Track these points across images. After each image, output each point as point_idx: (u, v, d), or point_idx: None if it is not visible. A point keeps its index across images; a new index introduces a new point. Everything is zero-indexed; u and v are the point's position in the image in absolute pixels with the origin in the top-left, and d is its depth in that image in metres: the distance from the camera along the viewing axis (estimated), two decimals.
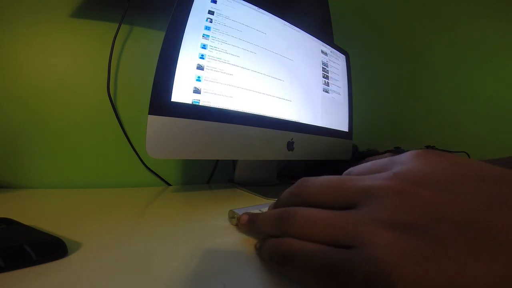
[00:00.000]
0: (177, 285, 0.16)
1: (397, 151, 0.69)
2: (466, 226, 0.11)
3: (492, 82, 1.17)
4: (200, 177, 0.61)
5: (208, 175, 0.61)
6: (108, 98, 0.52)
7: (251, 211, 0.25)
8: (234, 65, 0.45)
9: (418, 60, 1.08)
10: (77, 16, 0.52)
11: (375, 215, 0.13)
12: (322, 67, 0.62)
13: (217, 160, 0.61)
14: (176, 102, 0.38)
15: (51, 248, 0.18)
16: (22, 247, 0.17)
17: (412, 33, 1.06)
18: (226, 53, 0.44)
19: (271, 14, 0.53)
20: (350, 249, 0.13)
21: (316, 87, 0.60)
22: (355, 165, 0.19)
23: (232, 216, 0.27)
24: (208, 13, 0.43)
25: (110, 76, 0.52)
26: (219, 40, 0.44)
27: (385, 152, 0.69)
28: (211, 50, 0.43)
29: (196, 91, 0.40)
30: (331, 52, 0.66)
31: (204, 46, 0.42)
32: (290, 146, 0.52)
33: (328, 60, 0.65)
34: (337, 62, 0.68)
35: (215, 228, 0.26)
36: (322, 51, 0.64)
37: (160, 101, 0.37)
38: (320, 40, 0.63)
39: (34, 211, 0.32)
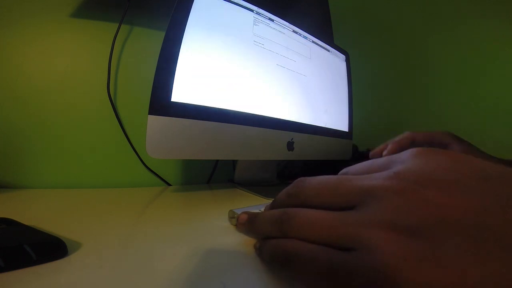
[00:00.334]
0: (177, 285, 0.16)
1: None
2: (470, 228, 0.11)
3: (492, 82, 1.17)
4: (200, 177, 0.61)
5: (208, 175, 0.61)
6: (108, 98, 0.52)
7: (251, 211, 0.25)
8: (235, 64, 0.45)
9: (418, 60, 1.08)
10: (77, 16, 0.52)
11: (376, 217, 0.13)
12: (322, 66, 0.62)
13: (217, 160, 0.61)
14: (176, 102, 0.38)
15: (51, 248, 0.18)
16: (22, 247, 0.17)
17: (412, 33, 1.06)
18: (226, 52, 0.44)
19: (271, 14, 0.53)
20: (351, 251, 0.13)
21: (316, 86, 0.60)
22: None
23: (232, 216, 0.27)
24: (208, 12, 0.43)
25: (110, 76, 0.52)
26: (219, 39, 0.44)
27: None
28: (211, 49, 0.43)
29: (196, 91, 0.40)
30: (331, 52, 0.66)
31: (204, 46, 0.42)
32: (290, 146, 0.52)
33: (328, 60, 0.65)
34: (337, 62, 0.68)
35: (215, 228, 0.26)
36: (323, 50, 0.64)
37: (160, 101, 0.37)
38: (320, 40, 0.63)
39: (34, 211, 0.32)
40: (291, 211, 0.17)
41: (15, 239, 0.18)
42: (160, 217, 0.31)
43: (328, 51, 0.66)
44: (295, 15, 0.57)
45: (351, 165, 0.19)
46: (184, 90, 0.39)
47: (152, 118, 0.36)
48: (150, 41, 0.56)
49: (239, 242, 0.22)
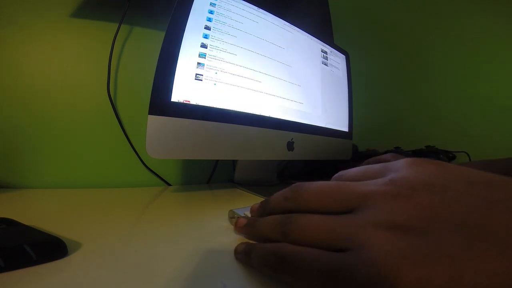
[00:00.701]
0: (177, 285, 0.16)
1: (397, 151, 0.69)
2: (460, 226, 0.11)
3: (492, 81, 1.17)
4: (200, 177, 0.61)
5: (208, 175, 0.61)
6: (108, 98, 0.52)
7: (249, 216, 0.25)
8: (234, 64, 0.45)
9: (418, 60, 1.08)
10: (77, 16, 0.52)
11: (372, 218, 0.13)
12: (322, 66, 0.62)
13: (217, 160, 0.61)
14: (176, 102, 0.38)
15: (51, 248, 0.18)
16: (22, 247, 0.17)
17: (412, 33, 1.06)
18: (226, 52, 0.44)
19: (271, 14, 0.53)
20: (349, 252, 0.13)
21: (316, 86, 0.60)
22: (355, 165, 0.19)
23: (232, 216, 0.27)
24: (208, 12, 0.43)
25: (110, 76, 0.52)
26: (219, 39, 0.44)
27: (385, 152, 0.69)
28: (211, 49, 0.43)
29: (196, 90, 0.40)
30: (331, 52, 0.66)
31: (204, 46, 0.42)
32: (290, 146, 0.52)
33: (328, 60, 0.65)
34: (337, 62, 0.68)
35: (215, 228, 0.26)
36: (322, 51, 0.64)
37: (160, 101, 0.37)
38: (320, 40, 0.63)
39: (34, 211, 0.32)
40: (294, 216, 0.17)
41: (15, 239, 0.18)
42: (160, 217, 0.31)
43: (328, 51, 0.66)
44: (295, 15, 0.57)
45: (351, 165, 0.20)
46: (184, 90, 0.39)
47: (152, 118, 0.36)
48: (150, 41, 0.56)
49: (239, 242, 0.22)
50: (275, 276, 0.16)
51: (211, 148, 0.41)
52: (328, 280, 0.13)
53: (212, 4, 0.44)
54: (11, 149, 0.47)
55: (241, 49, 0.46)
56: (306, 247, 0.15)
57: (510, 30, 1.19)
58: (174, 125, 0.38)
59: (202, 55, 0.41)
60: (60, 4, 0.51)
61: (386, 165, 0.17)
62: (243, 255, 0.19)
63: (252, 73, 0.47)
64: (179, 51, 0.39)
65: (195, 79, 0.40)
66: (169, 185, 0.56)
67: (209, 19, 0.43)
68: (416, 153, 0.72)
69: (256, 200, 0.41)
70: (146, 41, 0.57)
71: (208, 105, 0.41)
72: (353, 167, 0.20)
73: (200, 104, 0.40)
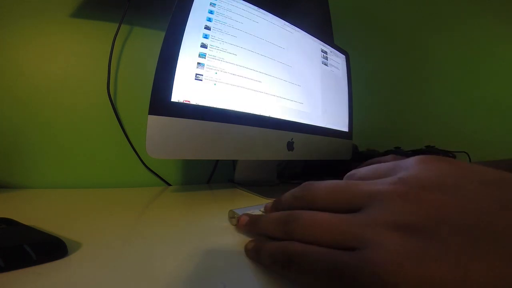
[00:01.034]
0: (177, 285, 0.16)
1: (397, 151, 0.69)
2: (469, 228, 0.11)
3: (492, 82, 1.17)
4: (200, 177, 0.61)
5: (208, 175, 0.61)
6: (108, 98, 0.52)
7: (251, 211, 0.25)
8: (234, 64, 0.45)
9: (418, 60, 1.08)
10: (77, 16, 0.52)
11: (379, 217, 0.13)
12: (322, 66, 0.62)
13: (217, 160, 0.61)
14: (176, 102, 0.38)
15: (51, 248, 0.18)
16: (22, 247, 0.17)
17: (412, 33, 1.06)
18: (226, 52, 0.44)
19: (271, 14, 0.53)
20: (355, 251, 0.13)
21: (316, 86, 0.60)
22: (355, 165, 0.20)
23: (232, 216, 0.27)
24: (208, 12, 0.43)
25: (110, 76, 0.52)
26: (219, 39, 0.44)
27: (385, 152, 0.69)
28: (211, 49, 0.43)
29: (196, 90, 0.40)
30: (331, 52, 0.66)
31: (204, 46, 0.42)
32: (290, 146, 0.52)
33: (328, 60, 0.65)
34: (337, 62, 0.68)
35: (215, 228, 0.26)
36: (322, 51, 0.64)
37: (160, 101, 0.37)
38: (320, 40, 0.63)
39: (34, 211, 0.32)
40: (296, 212, 0.17)
41: (15, 239, 0.18)
42: (160, 217, 0.31)
43: (328, 51, 0.66)
44: (295, 15, 0.57)
45: (351, 165, 0.20)
46: (184, 90, 0.39)
47: (152, 118, 0.36)
48: (150, 41, 0.56)
49: (239, 242, 0.22)
50: (283, 273, 0.16)
51: (211, 148, 0.41)
52: (332, 279, 0.13)
53: (212, 4, 0.44)
54: (11, 149, 0.47)
55: (241, 49, 0.46)
56: (312, 246, 0.15)
57: (510, 30, 1.19)
58: (174, 125, 0.38)
59: (202, 55, 0.41)
60: (60, 4, 0.51)
61: (397, 163, 0.16)
62: (253, 253, 0.19)
63: (252, 73, 0.47)
64: (179, 51, 0.39)
65: (195, 79, 0.40)
66: (169, 185, 0.56)
67: (209, 19, 0.43)
68: (416, 153, 0.72)
69: (256, 200, 0.41)
70: (146, 41, 0.57)
71: (208, 105, 0.41)
72: (353, 167, 0.20)
73: (200, 104, 0.40)
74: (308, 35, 0.60)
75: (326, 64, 0.64)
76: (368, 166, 0.19)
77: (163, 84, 0.38)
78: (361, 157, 0.69)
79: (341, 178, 0.19)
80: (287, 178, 0.63)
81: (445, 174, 0.14)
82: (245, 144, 0.45)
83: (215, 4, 0.45)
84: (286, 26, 0.55)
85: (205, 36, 0.42)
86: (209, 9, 0.44)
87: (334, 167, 0.67)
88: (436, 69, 1.10)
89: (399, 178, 0.14)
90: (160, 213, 0.33)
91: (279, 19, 0.54)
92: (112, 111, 0.52)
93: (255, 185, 0.51)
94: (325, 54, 0.64)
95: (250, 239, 0.23)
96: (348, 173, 0.20)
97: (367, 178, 0.18)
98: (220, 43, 0.44)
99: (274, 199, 0.24)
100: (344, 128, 0.68)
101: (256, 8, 0.50)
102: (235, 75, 0.45)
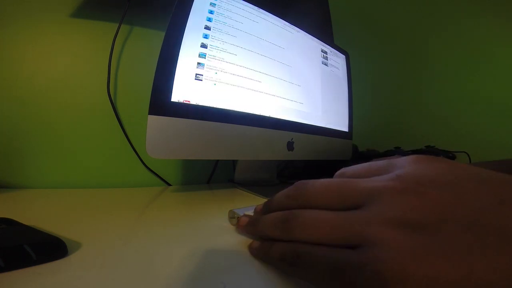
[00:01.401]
0: (177, 285, 0.16)
1: (397, 151, 0.69)
2: (472, 224, 0.11)
3: (492, 82, 1.17)
4: (200, 177, 0.61)
5: (208, 175, 0.61)
6: (108, 98, 0.52)
7: (251, 211, 0.25)
8: (234, 64, 0.45)
9: (418, 60, 1.08)
10: (77, 16, 0.52)
11: (381, 215, 0.13)
12: (322, 66, 0.62)
13: (217, 160, 0.61)
14: (176, 102, 0.38)
15: (51, 248, 0.18)
16: (22, 247, 0.17)
17: (412, 33, 1.06)
18: (226, 52, 0.44)
19: (271, 14, 0.53)
20: (358, 249, 0.13)
21: (316, 86, 0.60)
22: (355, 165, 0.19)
23: (232, 216, 0.27)
24: (209, 12, 0.43)
25: (110, 76, 0.52)
26: (219, 39, 0.44)
27: (385, 152, 0.69)
28: (211, 49, 0.43)
29: (196, 90, 0.40)
30: (331, 52, 0.66)
31: (204, 46, 0.42)
32: (290, 146, 0.52)
33: (328, 60, 0.65)
34: (337, 62, 0.68)
35: (215, 228, 0.26)
36: (322, 51, 0.64)
37: (160, 101, 0.37)
38: (320, 40, 0.63)
39: (34, 211, 0.32)
40: (295, 211, 0.17)
41: (15, 239, 0.18)
42: (160, 217, 0.31)
43: (328, 51, 0.66)
44: (295, 15, 0.57)
45: (351, 165, 0.19)
46: (184, 90, 0.39)
47: (152, 118, 0.36)
48: (150, 41, 0.56)
49: (239, 242, 0.22)
50: (292, 271, 0.16)
51: (211, 148, 0.41)
52: (335, 278, 0.13)
53: (212, 4, 0.44)
54: (11, 149, 0.47)
55: (241, 49, 0.46)
56: (315, 245, 0.15)
57: (510, 30, 1.19)
58: (174, 125, 0.38)
59: (202, 55, 0.41)
60: (60, 4, 0.51)
61: (390, 161, 0.16)
62: (261, 252, 0.19)
63: (252, 73, 0.47)
64: (179, 51, 0.39)
65: (195, 79, 0.40)
66: (169, 185, 0.56)
67: (209, 19, 0.43)
68: (416, 153, 0.72)
69: (256, 200, 0.41)
70: (146, 41, 0.56)
71: (208, 105, 0.41)
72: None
73: (200, 104, 0.40)
74: (308, 35, 0.60)
75: (326, 64, 0.64)
76: (359, 164, 0.19)
77: (163, 84, 0.38)
78: (361, 157, 0.70)
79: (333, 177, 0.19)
80: (287, 178, 0.63)
81: (442, 172, 0.14)
82: (245, 144, 0.45)
83: (215, 4, 0.45)
84: (286, 26, 0.55)
85: (205, 36, 0.42)
86: (209, 9, 0.44)
87: (334, 167, 0.67)
88: (436, 69, 1.10)
89: (397, 175, 0.14)
90: (160, 213, 0.33)
91: (279, 19, 0.54)
92: (112, 111, 0.52)
93: (255, 185, 0.51)
94: (325, 54, 0.64)
95: (250, 239, 0.23)
96: (339, 171, 0.20)
97: (359, 176, 0.17)
98: (220, 43, 0.44)
99: (267, 199, 0.23)
100: (344, 128, 0.68)
101: (256, 8, 0.50)
102: (235, 75, 0.45)
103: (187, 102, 0.39)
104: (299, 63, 0.56)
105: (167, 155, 0.38)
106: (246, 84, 0.46)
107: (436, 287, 0.10)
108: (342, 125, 0.67)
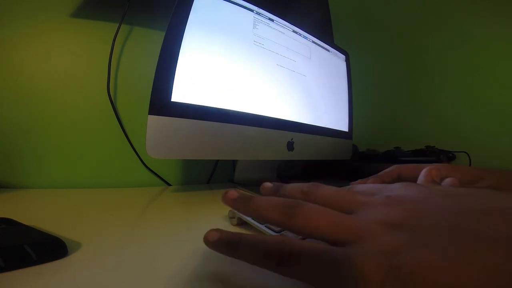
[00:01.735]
0: (177, 285, 0.16)
1: (397, 151, 0.69)
2: (441, 221, 0.15)
3: (493, 82, 1.17)
4: (200, 177, 0.61)
5: (208, 175, 0.61)
6: (108, 98, 0.52)
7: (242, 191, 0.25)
8: (235, 64, 0.45)
9: (418, 60, 1.08)
10: (77, 16, 0.52)
11: (370, 217, 0.16)
12: (322, 66, 0.62)
13: (217, 160, 0.61)
14: (176, 102, 0.38)
15: (51, 248, 0.18)
16: (22, 247, 0.17)
17: (412, 33, 1.06)
18: (226, 52, 0.44)
19: (271, 15, 0.53)
20: (352, 245, 0.15)
21: (316, 86, 0.60)
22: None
23: (232, 216, 0.27)
24: (208, 12, 0.43)
25: (110, 76, 0.52)
26: (219, 39, 0.44)
27: (385, 152, 0.69)
28: (211, 49, 0.42)
29: (196, 91, 0.40)
30: (331, 52, 0.66)
31: (204, 46, 0.42)
32: (290, 146, 0.52)
33: (328, 60, 0.65)
34: (337, 62, 0.68)
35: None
36: (324, 48, 0.64)
37: (160, 101, 0.37)
38: (320, 40, 0.63)
39: (34, 211, 0.33)
40: (301, 201, 0.18)
41: (15, 239, 0.18)
42: (160, 217, 0.31)
43: (328, 51, 0.66)
44: (295, 15, 0.57)
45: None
46: (184, 90, 0.39)
47: (152, 118, 0.36)
48: (150, 41, 0.56)
49: None
50: (278, 269, 0.15)
51: (211, 148, 0.41)
52: (330, 273, 0.14)
53: (212, 3, 0.44)
54: (11, 149, 0.47)
55: (241, 50, 0.46)
56: (309, 242, 0.16)
57: (510, 30, 1.19)
58: (174, 125, 0.38)
59: (202, 55, 0.41)
60: (60, 4, 0.51)
61: (386, 186, 0.21)
62: (222, 246, 0.17)
63: (252, 73, 0.47)
64: (179, 51, 0.39)
65: (195, 79, 0.40)
66: (169, 185, 0.56)
67: (209, 19, 0.43)
68: (416, 153, 0.72)
69: None
70: (146, 41, 0.57)
71: (208, 105, 0.41)
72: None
73: (200, 104, 0.40)
74: (308, 35, 0.60)
75: (326, 64, 0.64)
76: (365, 185, 0.23)
77: (163, 84, 0.38)
78: (361, 157, 0.69)
79: (342, 178, 0.21)
80: (287, 178, 0.63)
81: (418, 192, 0.18)
82: (245, 144, 0.45)
83: (215, 3, 0.44)
84: (286, 27, 0.55)
85: (205, 36, 0.42)
86: (209, 9, 0.44)
87: (334, 167, 0.67)
88: (436, 69, 1.10)
89: (386, 196, 0.18)
90: (160, 213, 0.33)
91: (280, 19, 0.54)
92: (112, 111, 0.52)
93: (255, 185, 0.50)
94: (325, 54, 0.64)
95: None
96: (349, 186, 0.24)
97: (362, 192, 0.21)
98: (220, 43, 0.44)
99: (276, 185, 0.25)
100: (344, 128, 0.68)
101: (256, 8, 0.50)
102: (235, 75, 0.45)
103: (187, 102, 0.39)
104: (299, 63, 0.56)
105: (167, 155, 0.38)
106: (246, 84, 0.46)
107: (417, 271, 0.12)
108: (342, 125, 0.67)
